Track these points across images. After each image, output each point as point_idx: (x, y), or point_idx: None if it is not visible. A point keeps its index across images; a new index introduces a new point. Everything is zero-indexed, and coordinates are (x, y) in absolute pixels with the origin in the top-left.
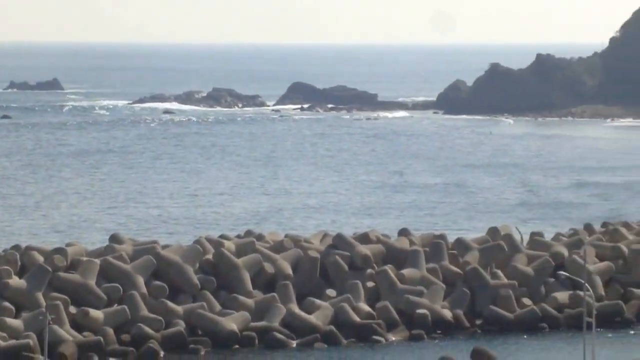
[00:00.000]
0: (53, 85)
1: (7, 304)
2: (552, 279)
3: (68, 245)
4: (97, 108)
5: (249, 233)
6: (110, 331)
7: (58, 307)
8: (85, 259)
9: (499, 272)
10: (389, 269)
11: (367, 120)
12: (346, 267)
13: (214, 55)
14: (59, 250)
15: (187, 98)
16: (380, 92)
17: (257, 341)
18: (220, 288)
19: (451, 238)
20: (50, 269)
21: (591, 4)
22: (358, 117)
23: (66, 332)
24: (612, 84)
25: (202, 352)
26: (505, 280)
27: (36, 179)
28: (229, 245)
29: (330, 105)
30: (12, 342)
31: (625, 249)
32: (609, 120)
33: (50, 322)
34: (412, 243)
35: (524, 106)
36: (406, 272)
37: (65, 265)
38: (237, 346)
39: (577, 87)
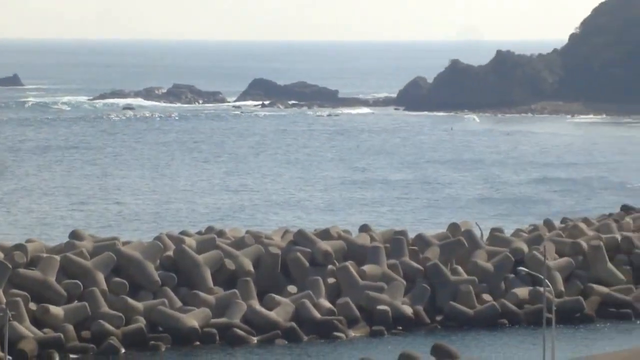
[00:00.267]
0: (13, 81)
1: None
2: (512, 275)
3: (28, 241)
4: (58, 104)
5: (209, 229)
6: (71, 328)
7: (18, 304)
8: (45, 255)
9: (459, 268)
10: (350, 265)
11: (329, 116)
12: (307, 264)
13: (174, 52)
14: (19, 247)
15: (147, 94)
16: (340, 88)
17: (217, 338)
18: (180, 284)
19: (414, 234)
20: (10, 266)
21: (551, 1)
22: (320, 113)
23: (26, 329)
24: (572, 81)
25: (163, 349)
26: (466, 276)
27: None
28: (190, 241)
29: (291, 102)
30: None
31: (584, 245)
32: (569, 116)
33: (11, 319)
34: (372, 239)
35: (484, 103)
36: (367, 268)
37: (25, 261)
38: (197, 343)
39: (537, 84)
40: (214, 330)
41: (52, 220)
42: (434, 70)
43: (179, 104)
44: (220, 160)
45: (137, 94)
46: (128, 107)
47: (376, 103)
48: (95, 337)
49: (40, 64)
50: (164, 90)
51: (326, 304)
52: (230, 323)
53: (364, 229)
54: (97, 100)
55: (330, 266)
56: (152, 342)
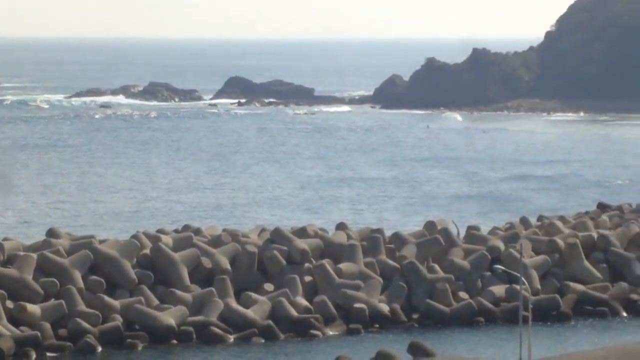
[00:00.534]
0: None
1: None
2: (489, 273)
3: (5, 239)
4: (36, 102)
5: (186, 227)
6: (48, 326)
7: None
8: (22, 253)
9: (436, 266)
10: (327, 263)
11: (305, 114)
12: (284, 262)
13: (149, 50)
14: None
15: (123, 92)
16: (316, 86)
17: (194, 336)
18: (157, 283)
19: (391, 232)
20: None
21: None
22: (298, 111)
23: (3, 327)
24: (548, 78)
25: (140, 347)
26: (442, 274)
27: None
28: (167, 239)
29: (267, 100)
30: None
31: (561, 243)
32: (545, 114)
33: None
34: (349, 237)
35: (460, 100)
36: (343, 266)
37: (1, 259)
38: (174, 341)
39: (513, 82)
40: (191, 329)
41: (30, 219)
42: (411, 69)
43: (155, 102)
44: (198, 159)
45: (113, 92)
46: (105, 105)
47: (352, 101)
48: (72, 335)
49: (17, 62)
50: (140, 89)
51: (303, 302)
52: (207, 321)
53: (341, 227)
54: (75, 98)
55: (307, 264)
56: (129, 340)
